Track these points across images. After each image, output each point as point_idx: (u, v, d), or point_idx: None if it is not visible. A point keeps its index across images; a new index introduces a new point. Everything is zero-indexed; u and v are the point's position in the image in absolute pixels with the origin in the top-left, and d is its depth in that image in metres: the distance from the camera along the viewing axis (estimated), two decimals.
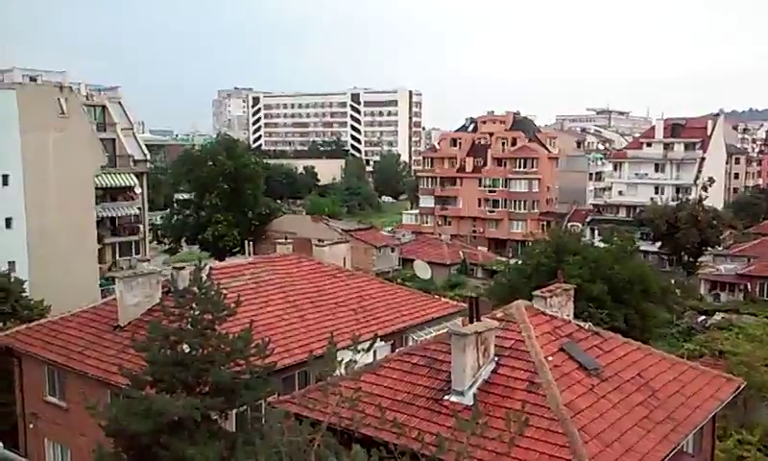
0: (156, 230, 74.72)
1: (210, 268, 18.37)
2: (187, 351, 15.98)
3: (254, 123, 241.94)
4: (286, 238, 31.37)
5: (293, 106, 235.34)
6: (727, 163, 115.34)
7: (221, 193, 70.45)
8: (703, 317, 56.26)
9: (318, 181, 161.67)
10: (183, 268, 21.35)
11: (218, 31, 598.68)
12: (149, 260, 30.89)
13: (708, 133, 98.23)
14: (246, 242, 44.94)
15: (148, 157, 66.78)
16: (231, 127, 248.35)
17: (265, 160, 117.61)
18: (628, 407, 15.55)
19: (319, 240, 33.22)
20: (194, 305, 16.19)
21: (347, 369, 12.44)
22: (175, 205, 79.37)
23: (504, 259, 70.12)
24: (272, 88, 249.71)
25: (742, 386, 19.33)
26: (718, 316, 56.36)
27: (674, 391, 17.01)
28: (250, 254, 34.74)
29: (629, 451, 14.02)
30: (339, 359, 12.27)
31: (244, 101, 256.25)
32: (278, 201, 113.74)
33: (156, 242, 74.46)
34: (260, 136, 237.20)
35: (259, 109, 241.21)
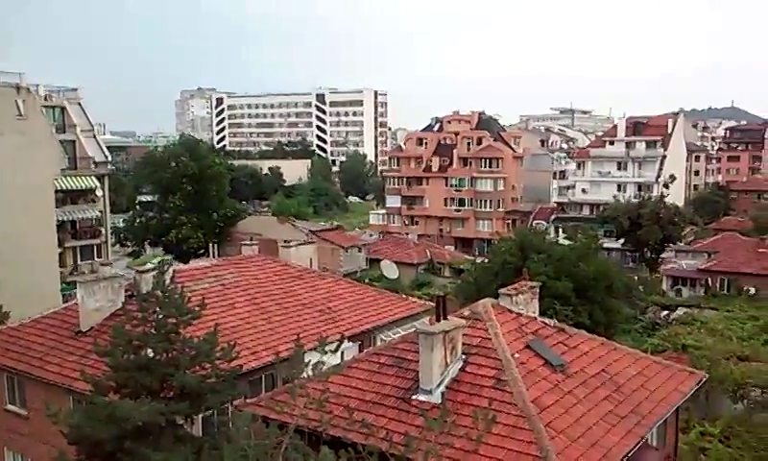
0: (119, 232, 73.57)
1: (174, 271, 18.12)
2: (151, 355, 15.73)
3: (218, 123, 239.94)
4: (252, 240, 31.10)
5: (257, 106, 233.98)
6: (687, 161, 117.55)
7: (184, 195, 69.65)
8: (665, 312, 57.21)
9: (283, 181, 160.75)
10: (147, 271, 21.01)
11: (181, 31, 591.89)
12: (111, 264, 30.36)
13: (669, 131, 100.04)
14: (210, 244, 44.62)
15: (109, 158, 65.68)
16: (195, 128, 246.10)
17: (229, 161, 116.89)
18: (593, 402, 15.72)
19: (285, 241, 32.96)
20: (158, 309, 15.93)
21: (314, 370, 12.34)
22: (137, 207, 78.32)
23: (471, 258, 70.63)
24: (236, 89, 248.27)
25: (704, 379, 19.69)
26: (680, 311, 57.38)
27: (638, 385, 17.24)
28: (214, 257, 34.43)
29: (595, 446, 14.17)
30: (306, 361, 12.18)
31: (207, 101, 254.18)
32: (244, 202, 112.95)
33: (118, 245, 73.31)
34: (224, 137, 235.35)
35: (223, 110, 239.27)
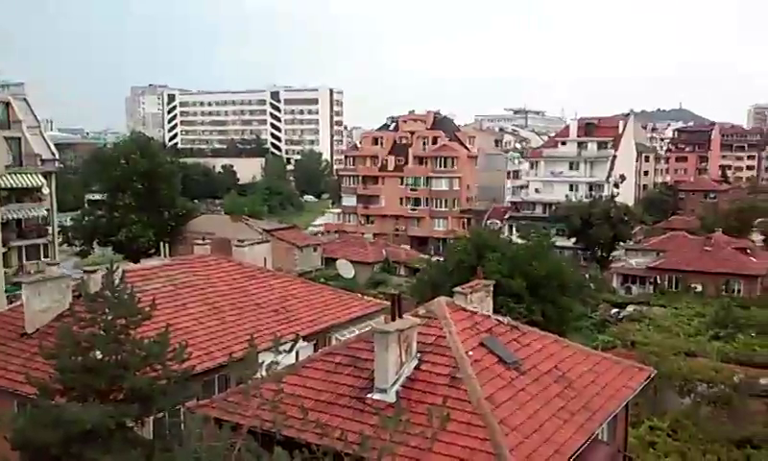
0: (67, 232, 71.69)
1: (124, 271, 17.70)
2: (100, 357, 15.35)
3: (170, 121, 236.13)
4: (204, 239, 30.62)
5: (210, 103, 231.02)
6: (637, 161, 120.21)
7: (135, 193, 68.29)
8: (616, 309, 58.41)
9: (237, 180, 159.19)
10: (95, 271, 20.51)
11: (132, 28, 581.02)
12: (58, 264, 29.47)
13: (620, 132, 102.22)
14: (162, 243, 43.82)
15: (56, 156, 63.97)
16: (146, 125, 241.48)
17: (182, 159, 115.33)
18: (546, 399, 15.91)
19: (239, 240, 32.53)
20: (107, 310, 15.56)
21: (268, 371, 12.20)
22: (86, 205, 76.61)
23: (426, 257, 70.91)
24: (189, 86, 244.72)
25: (653, 375, 20.08)
26: (630, 308, 58.66)
27: (589, 381, 17.51)
28: (166, 256, 33.80)
29: (547, 442, 14.35)
30: (260, 361, 12.04)
31: (159, 98, 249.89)
32: (196, 200, 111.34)
33: (66, 244, 71.48)
34: (176, 135, 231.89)
35: (175, 107, 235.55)
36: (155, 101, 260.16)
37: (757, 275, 65.07)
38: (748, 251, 69.50)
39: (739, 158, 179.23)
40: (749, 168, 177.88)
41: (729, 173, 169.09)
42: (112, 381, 15.29)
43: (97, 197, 74.80)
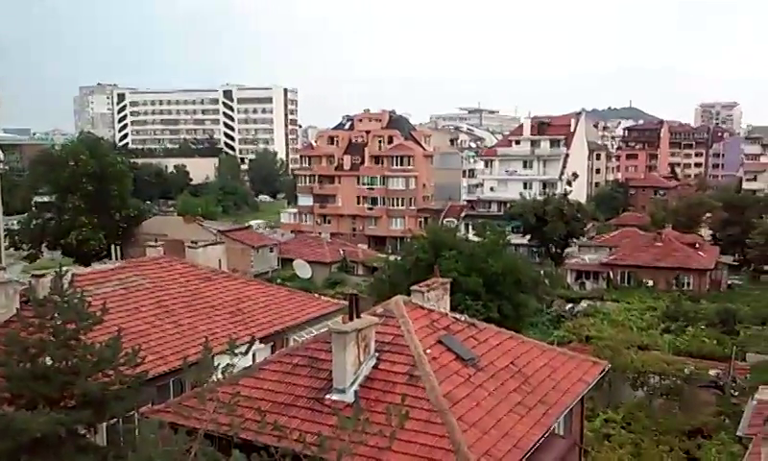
0: (14, 235, 69.63)
1: (73, 275, 17.28)
2: (49, 363, 14.94)
3: (120, 121, 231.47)
4: (156, 241, 30.09)
5: (162, 102, 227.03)
6: (589, 159, 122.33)
7: (84, 195, 66.75)
8: (570, 305, 59.27)
9: (190, 180, 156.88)
10: (44, 275, 19.96)
11: (80, 26, 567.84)
12: (5, 268, 28.61)
13: (572, 130, 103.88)
14: (113, 246, 42.85)
15: (1, 157, 62.19)
16: (95, 125, 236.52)
17: (132, 159, 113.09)
18: (503, 394, 16.04)
19: (192, 242, 32.07)
20: (56, 315, 15.15)
21: (224, 374, 12.02)
22: (34, 208, 74.35)
23: (384, 256, 70.89)
24: (139, 85, 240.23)
25: (607, 368, 20.43)
26: (584, 303, 59.57)
27: (545, 376, 17.70)
28: (117, 259, 33.09)
29: (505, 437, 14.45)
30: (215, 364, 11.84)
31: (108, 98, 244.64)
32: (148, 202, 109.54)
33: (12, 248, 69.41)
34: (127, 135, 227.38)
35: (125, 106, 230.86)
36: (104, 100, 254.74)
37: (706, 269, 66.83)
38: (697, 246, 71.27)
39: (687, 156, 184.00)
40: (697, 165, 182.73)
41: (677, 170, 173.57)
42: (63, 388, 14.91)
43: (45, 199, 72.78)
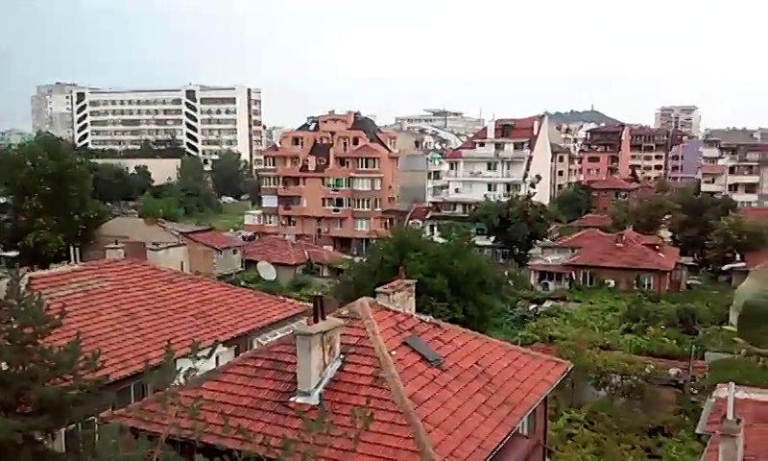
0: None
1: (30, 277, 16.87)
2: (5, 368, 14.56)
3: (80, 121, 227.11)
4: (117, 243, 29.59)
5: (123, 102, 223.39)
6: (552, 161, 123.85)
7: (42, 196, 65.33)
8: (534, 305, 59.81)
9: (152, 181, 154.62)
10: None
11: (39, 24, 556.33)
12: None
13: (535, 133, 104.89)
14: (72, 248, 41.79)
15: None
16: (54, 125, 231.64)
17: (93, 160, 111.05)
18: (467, 395, 16.09)
19: (154, 244, 31.64)
20: (12, 319, 14.75)
21: (186, 377, 11.83)
22: None
23: (349, 258, 70.83)
24: (100, 85, 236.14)
25: (570, 368, 20.63)
26: (547, 304, 60.16)
27: (509, 377, 17.81)
28: (77, 261, 32.33)
29: (469, 437, 14.50)
30: (178, 368, 11.65)
31: (67, 97, 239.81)
32: (108, 203, 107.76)
33: None
34: (87, 135, 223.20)
35: (85, 106, 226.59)
36: (63, 100, 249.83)
37: (666, 269, 68.04)
38: (657, 247, 72.53)
39: (648, 158, 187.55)
40: (657, 167, 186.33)
41: (638, 172, 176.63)
42: (19, 393, 14.52)
43: (1, 200, 71.08)
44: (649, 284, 66.53)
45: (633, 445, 30.18)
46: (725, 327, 49.63)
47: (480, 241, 75.46)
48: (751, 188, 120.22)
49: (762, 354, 38.43)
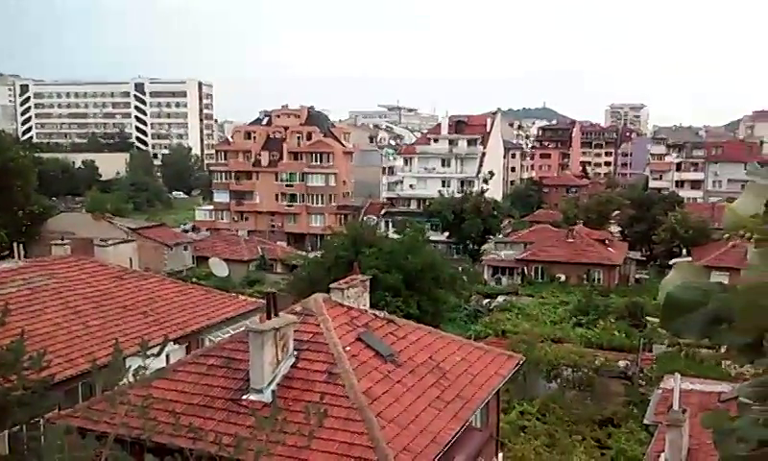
0: None
1: None
2: None
3: (23, 113, 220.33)
4: (63, 239, 28.83)
5: (69, 95, 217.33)
6: (505, 158, 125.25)
7: None
8: (487, 300, 60.34)
9: (99, 175, 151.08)
10: None
11: None
12: None
13: (488, 129, 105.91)
14: (16, 245, 40.55)
15: None
16: None
17: (37, 154, 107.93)
18: (421, 390, 16.16)
19: (101, 240, 30.89)
20: None
21: (135, 376, 11.57)
22: None
23: (303, 253, 70.35)
24: (45, 76, 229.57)
25: (522, 362, 20.91)
26: (500, 299, 60.76)
27: (462, 371, 17.95)
28: (21, 258, 31.41)
29: (423, 432, 14.56)
30: (127, 366, 11.39)
31: (10, 89, 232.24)
32: (54, 198, 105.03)
33: None
34: (31, 128, 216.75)
35: (29, 98, 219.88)
36: (5, 92, 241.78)
37: (615, 264, 69.41)
38: (606, 242, 73.91)
39: (598, 155, 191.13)
40: (606, 164, 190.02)
41: (588, 169, 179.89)
42: None
43: None
44: (599, 279, 67.74)
45: (583, 436, 30.72)
46: (649, 319, 50.67)
47: (434, 237, 75.81)
48: (696, 185, 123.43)
49: (686, 345, 39.10)
